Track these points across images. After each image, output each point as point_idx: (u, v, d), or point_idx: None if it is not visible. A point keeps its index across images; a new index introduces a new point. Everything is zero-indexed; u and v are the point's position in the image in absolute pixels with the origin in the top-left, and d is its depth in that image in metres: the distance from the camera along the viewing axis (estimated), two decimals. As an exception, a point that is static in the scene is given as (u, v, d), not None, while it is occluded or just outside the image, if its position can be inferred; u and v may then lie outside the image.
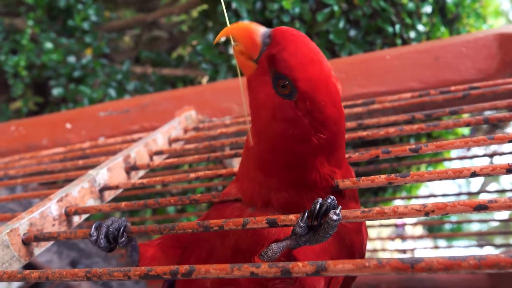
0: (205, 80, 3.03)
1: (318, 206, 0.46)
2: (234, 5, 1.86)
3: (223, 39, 0.56)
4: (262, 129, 0.55)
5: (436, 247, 2.66)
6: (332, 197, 0.47)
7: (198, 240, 0.62)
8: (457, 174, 0.52)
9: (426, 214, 0.44)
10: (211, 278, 0.43)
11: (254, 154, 0.57)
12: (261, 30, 0.52)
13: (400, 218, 0.45)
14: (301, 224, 0.46)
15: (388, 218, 0.46)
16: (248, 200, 0.59)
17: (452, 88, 0.89)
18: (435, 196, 1.78)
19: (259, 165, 0.56)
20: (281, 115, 0.51)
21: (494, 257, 0.34)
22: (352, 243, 0.58)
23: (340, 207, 0.47)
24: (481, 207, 0.43)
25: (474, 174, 0.51)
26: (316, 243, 0.47)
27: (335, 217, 0.45)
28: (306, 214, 0.46)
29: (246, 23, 0.53)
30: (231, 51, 1.93)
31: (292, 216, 0.48)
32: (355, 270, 0.38)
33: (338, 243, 0.56)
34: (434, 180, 0.53)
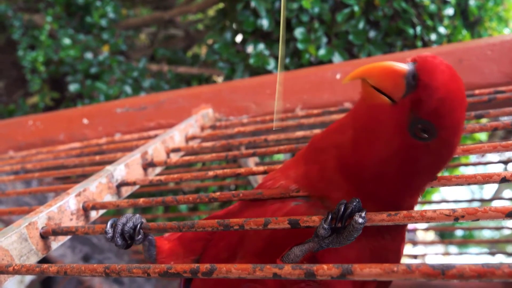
0: (220, 79, 3.03)
1: (342, 208, 0.45)
2: (253, 4, 1.85)
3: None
4: (375, 161, 0.50)
5: (447, 253, 2.62)
6: (357, 199, 0.46)
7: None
8: (486, 179, 0.50)
9: (456, 219, 0.43)
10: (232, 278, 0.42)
11: (346, 163, 0.52)
12: (404, 69, 0.46)
13: (428, 222, 0.44)
14: (324, 226, 0.45)
15: (415, 222, 0.45)
16: (307, 187, 0.54)
17: (477, 91, 0.87)
18: (447, 201, 1.75)
19: (348, 175, 0.52)
20: (409, 154, 0.48)
21: (530, 266, 0.33)
22: (387, 262, 0.55)
23: (365, 209, 0.45)
24: (514, 214, 0.41)
25: (504, 180, 0.50)
26: (340, 245, 0.46)
27: (360, 220, 0.44)
28: (330, 216, 0.45)
29: (385, 63, 0.47)
30: (249, 50, 1.93)
31: (315, 218, 0.47)
32: (383, 275, 0.37)
33: (372, 259, 0.53)
34: (462, 184, 0.51)
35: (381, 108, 0.48)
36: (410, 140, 0.47)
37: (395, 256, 0.55)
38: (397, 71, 0.46)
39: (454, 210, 0.43)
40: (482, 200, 2.52)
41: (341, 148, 0.52)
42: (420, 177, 0.50)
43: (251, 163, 1.33)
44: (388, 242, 0.54)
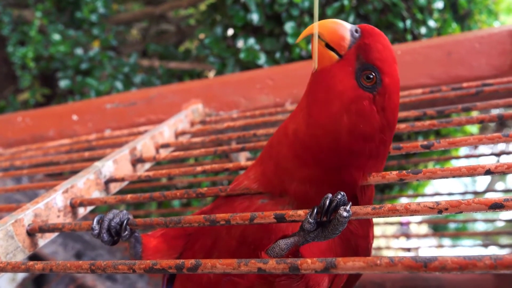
0: (211, 74, 3.02)
1: (328, 202, 0.45)
2: (242, -2, 1.85)
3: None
4: (327, 121, 0.53)
5: (441, 246, 2.64)
6: (342, 193, 0.46)
7: (204, 228, 0.61)
8: (471, 172, 0.50)
9: (439, 212, 0.43)
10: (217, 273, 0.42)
11: (298, 141, 0.55)
12: (348, 26, 0.53)
13: (412, 215, 0.44)
14: (310, 220, 0.45)
15: (400, 216, 0.45)
16: (265, 185, 0.57)
17: (465, 84, 0.87)
18: (440, 194, 1.76)
19: (300, 153, 0.55)
20: (357, 107, 0.52)
21: (511, 257, 0.33)
22: (357, 247, 0.57)
23: (350, 203, 0.45)
24: (497, 206, 0.41)
25: (488, 172, 0.50)
26: (325, 239, 0.46)
27: (345, 214, 0.44)
28: (315, 210, 0.45)
29: (331, 20, 0.54)
30: (239, 44, 1.92)
31: (300, 212, 0.47)
32: (366, 268, 0.37)
33: (344, 246, 0.56)
34: (447, 177, 0.51)
35: (330, 68, 0.53)
36: (358, 91, 0.52)
37: (365, 241, 0.57)
38: (343, 25, 0.53)
39: (437, 203, 0.43)
40: (475, 193, 2.54)
41: (294, 130, 0.56)
42: (370, 142, 0.53)
43: (242, 158, 1.33)
44: (355, 228, 0.56)
